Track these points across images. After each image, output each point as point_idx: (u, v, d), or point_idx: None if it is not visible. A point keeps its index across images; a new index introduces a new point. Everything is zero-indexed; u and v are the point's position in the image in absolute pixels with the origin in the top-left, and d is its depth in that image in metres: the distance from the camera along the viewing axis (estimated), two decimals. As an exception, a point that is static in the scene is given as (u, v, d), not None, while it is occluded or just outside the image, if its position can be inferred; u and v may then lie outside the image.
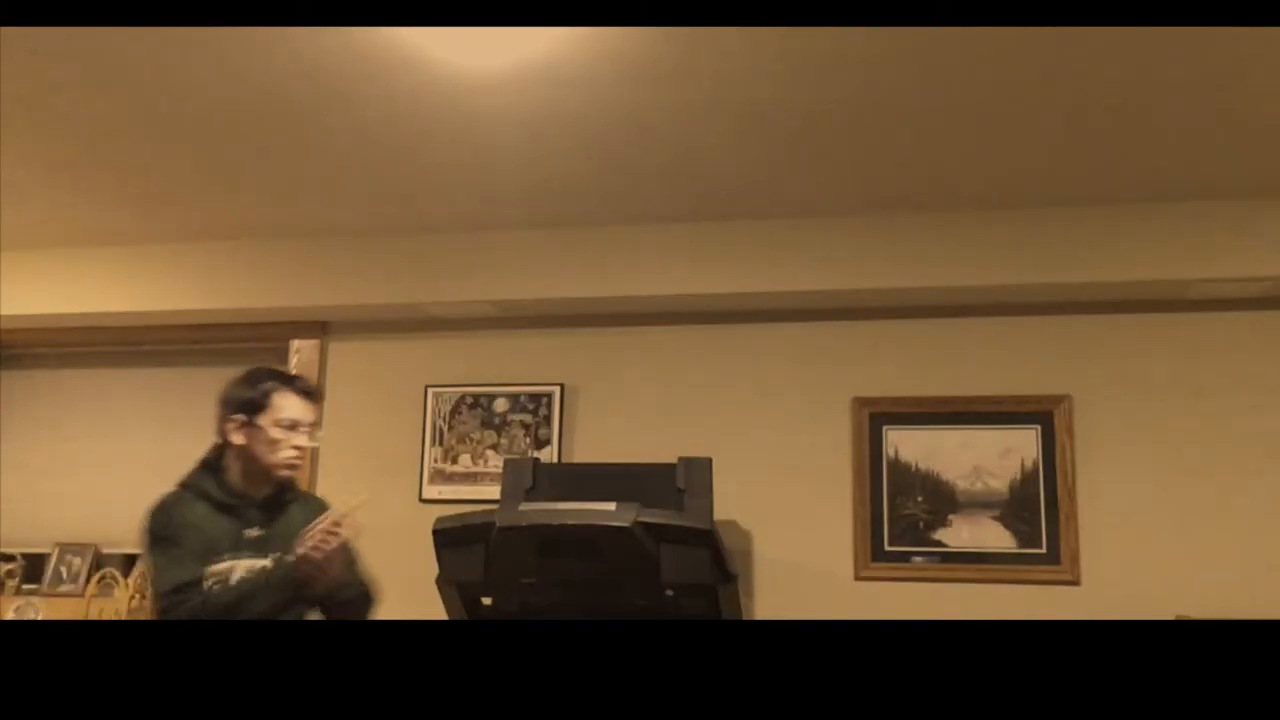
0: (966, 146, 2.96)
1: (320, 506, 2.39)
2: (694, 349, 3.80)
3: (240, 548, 2.27)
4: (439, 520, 2.99)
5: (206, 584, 2.19)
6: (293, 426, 2.31)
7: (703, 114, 2.77)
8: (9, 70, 2.59)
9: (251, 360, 4.15)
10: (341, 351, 4.08)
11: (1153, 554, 3.38)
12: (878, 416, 3.63)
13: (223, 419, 2.32)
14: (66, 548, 4.17)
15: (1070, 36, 2.33)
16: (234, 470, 2.33)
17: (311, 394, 2.38)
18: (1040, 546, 3.43)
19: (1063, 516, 3.44)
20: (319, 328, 4.08)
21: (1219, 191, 3.23)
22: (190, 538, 2.22)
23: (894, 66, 2.50)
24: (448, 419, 3.91)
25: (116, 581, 3.88)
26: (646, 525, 2.86)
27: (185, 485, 2.32)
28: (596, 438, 3.82)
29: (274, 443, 2.29)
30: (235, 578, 2.22)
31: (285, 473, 2.34)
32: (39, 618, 3.97)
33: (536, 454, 3.80)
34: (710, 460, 3.24)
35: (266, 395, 2.31)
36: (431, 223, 3.70)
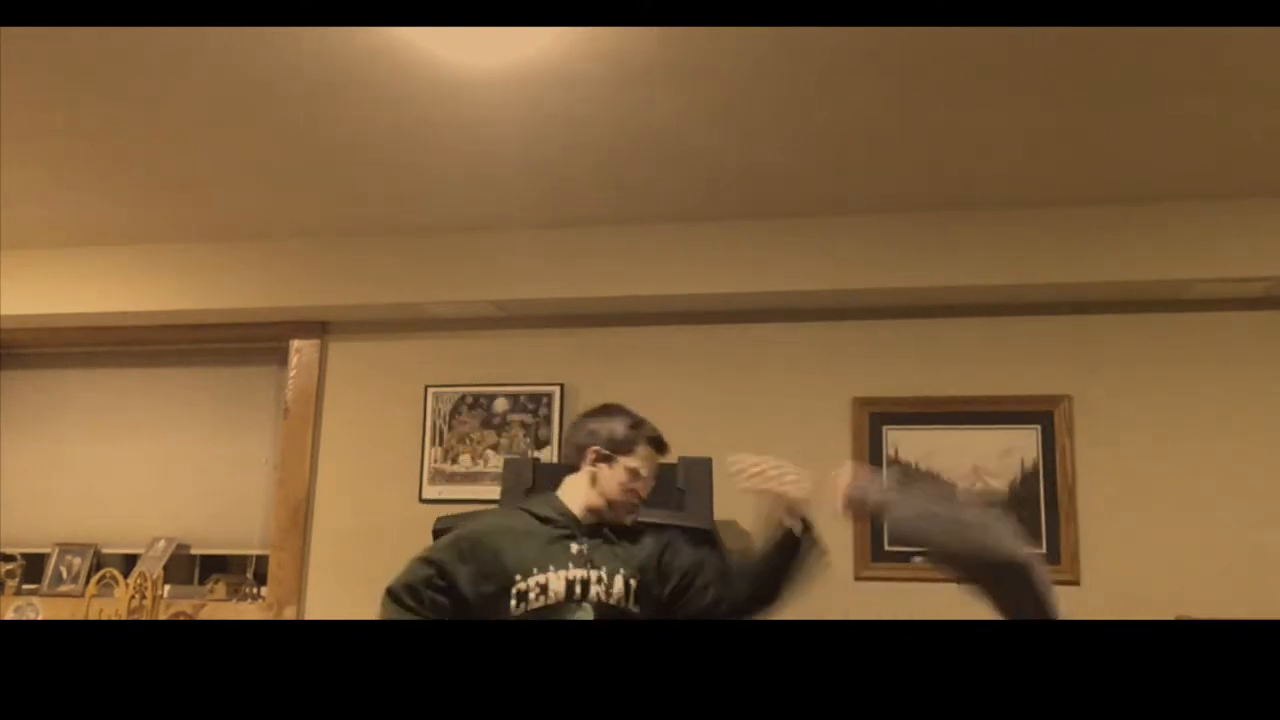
0: (966, 146, 2.96)
1: (669, 536, 2.44)
2: (694, 349, 3.81)
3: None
4: (439, 520, 2.98)
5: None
6: (637, 475, 2.37)
7: (703, 114, 2.77)
8: (9, 70, 2.59)
9: (251, 360, 4.22)
10: (341, 351, 4.09)
11: (1153, 554, 3.38)
12: (878, 416, 3.63)
13: (584, 444, 2.38)
14: (66, 548, 4.17)
15: (1070, 37, 2.33)
16: (573, 494, 2.39)
17: (663, 446, 2.45)
18: (1040, 546, 3.43)
19: (1063, 516, 3.44)
20: (319, 328, 4.09)
21: (1219, 191, 3.23)
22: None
23: (894, 66, 2.50)
24: (448, 419, 3.91)
25: (116, 581, 3.88)
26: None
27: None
28: (596, 438, 3.81)
29: (621, 485, 2.36)
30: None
31: (620, 515, 2.39)
32: (39, 618, 3.97)
33: (536, 454, 3.80)
34: (710, 460, 3.24)
35: (633, 444, 2.37)
36: (431, 223, 3.70)
